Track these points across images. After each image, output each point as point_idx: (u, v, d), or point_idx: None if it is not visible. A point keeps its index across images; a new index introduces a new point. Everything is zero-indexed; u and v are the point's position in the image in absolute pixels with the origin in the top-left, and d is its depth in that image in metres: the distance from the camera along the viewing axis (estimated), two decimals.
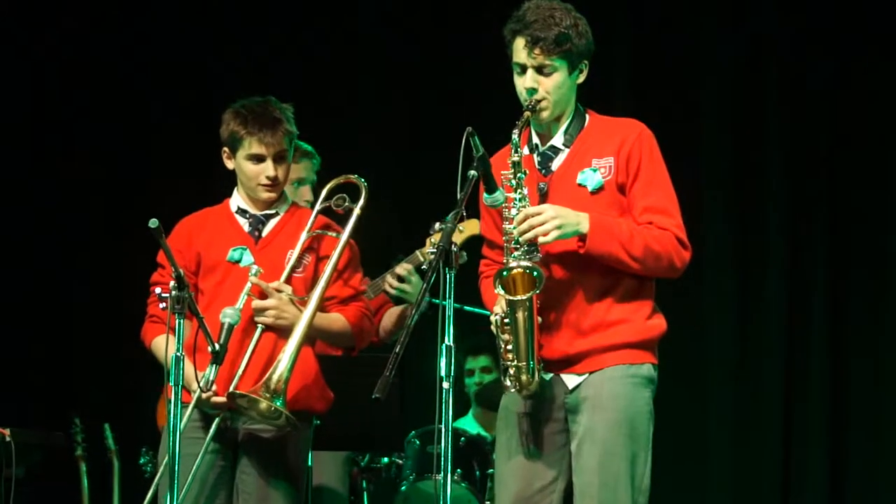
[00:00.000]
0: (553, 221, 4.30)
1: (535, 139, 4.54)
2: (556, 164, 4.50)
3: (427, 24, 8.12)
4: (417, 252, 5.88)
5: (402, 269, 5.86)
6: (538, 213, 4.32)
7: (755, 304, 7.50)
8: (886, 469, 7.20)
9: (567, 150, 4.50)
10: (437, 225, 5.70)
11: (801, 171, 7.44)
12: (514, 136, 4.37)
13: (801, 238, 7.44)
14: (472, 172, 4.29)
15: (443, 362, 4.15)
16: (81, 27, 8.18)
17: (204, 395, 4.70)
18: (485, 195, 4.41)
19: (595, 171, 4.45)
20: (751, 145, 7.53)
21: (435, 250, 4.22)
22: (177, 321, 4.52)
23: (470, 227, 5.39)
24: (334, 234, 4.94)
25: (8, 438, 6.77)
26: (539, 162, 4.51)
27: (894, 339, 7.24)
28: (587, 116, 4.56)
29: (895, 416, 7.20)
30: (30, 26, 8.17)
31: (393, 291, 5.94)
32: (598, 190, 4.45)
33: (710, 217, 7.48)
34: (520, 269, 4.33)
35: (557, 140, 4.52)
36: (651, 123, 4.55)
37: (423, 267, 5.81)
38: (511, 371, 4.39)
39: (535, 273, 4.32)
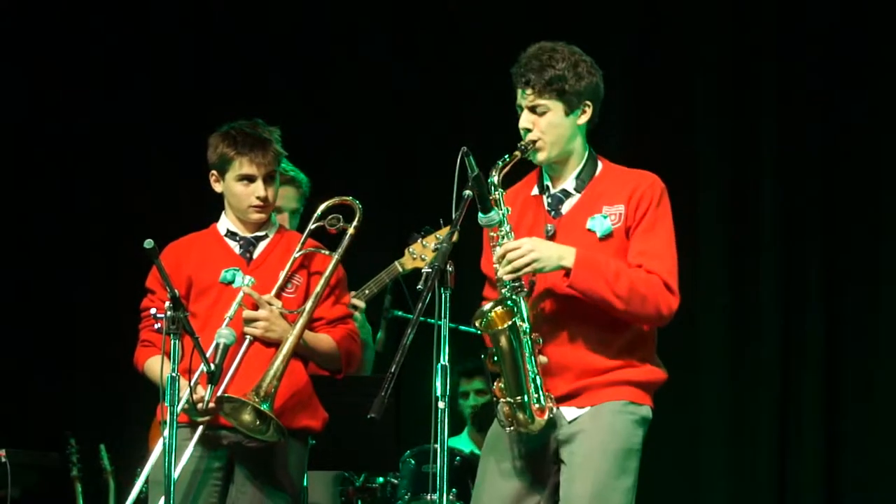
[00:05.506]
0: (529, 255, 4.30)
1: (547, 181, 4.55)
2: (566, 208, 4.50)
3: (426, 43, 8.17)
4: (396, 262, 5.81)
5: (354, 300, 5.65)
6: (516, 248, 4.32)
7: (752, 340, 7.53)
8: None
9: (578, 196, 4.50)
10: (415, 235, 5.72)
11: (795, 206, 7.46)
12: (493, 177, 4.37)
13: (794, 275, 7.46)
14: (467, 192, 4.30)
15: (438, 382, 4.16)
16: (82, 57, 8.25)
17: (193, 398, 4.69)
18: (479, 215, 4.40)
19: (605, 217, 4.44)
20: (746, 172, 7.55)
21: (428, 266, 4.21)
22: (172, 341, 4.53)
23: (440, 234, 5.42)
24: (326, 252, 4.95)
25: (4, 459, 6.79)
26: (549, 203, 4.51)
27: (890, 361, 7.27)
28: (599, 164, 4.55)
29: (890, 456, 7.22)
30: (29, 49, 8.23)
31: None
32: (607, 236, 4.43)
33: (705, 252, 7.50)
34: (493, 308, 4.33)
35: (569, 184, 4.51)
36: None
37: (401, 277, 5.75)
38: (505, 409, 4.36)
39: (508, 303, 4.32)
